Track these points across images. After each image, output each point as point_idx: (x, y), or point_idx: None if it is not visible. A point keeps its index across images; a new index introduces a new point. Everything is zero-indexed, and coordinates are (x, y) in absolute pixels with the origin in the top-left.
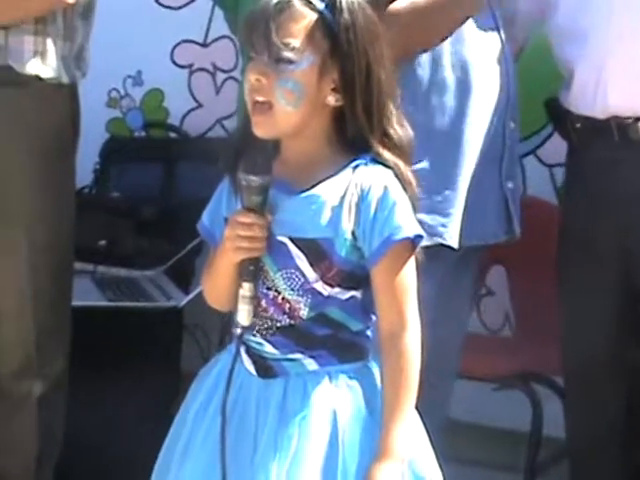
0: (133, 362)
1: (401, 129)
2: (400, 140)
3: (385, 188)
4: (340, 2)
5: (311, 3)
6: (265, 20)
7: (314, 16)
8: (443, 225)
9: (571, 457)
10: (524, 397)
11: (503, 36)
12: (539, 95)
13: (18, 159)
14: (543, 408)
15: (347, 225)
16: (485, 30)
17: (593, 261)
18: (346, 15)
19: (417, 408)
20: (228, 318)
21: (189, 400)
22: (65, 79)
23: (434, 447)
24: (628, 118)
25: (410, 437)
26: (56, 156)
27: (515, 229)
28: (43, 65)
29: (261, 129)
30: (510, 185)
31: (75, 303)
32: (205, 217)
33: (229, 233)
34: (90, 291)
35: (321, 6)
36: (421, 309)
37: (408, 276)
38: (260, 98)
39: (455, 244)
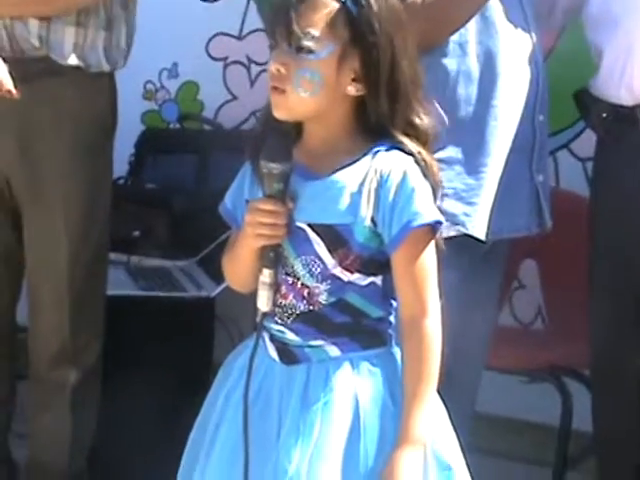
0: (166, 352)
1: (426, 118)
2: (425, 129)
3: (404, 174)
4: None
5: None
6: (286, 9)
7: (336, 5)
8: (466, 214)
9: (598, 451)
10: (554, 390)
11: (533, 33)
12: (571, 88)
13: (58, 148)
14: (573, 402)
15: (366, 211)
16: (515, 25)
17: (622, 257)
18: (369, 4)
19: (441, 397)
20: (261, 312)
21: (216, 387)
22: (106, 68)
23: (460, 437)
24: None
25: (431, 423)
26: (95, 145)
27: (546, 222)
28: (84, 56)
29: (278, 111)
30: (541, 178)
31: (108, 292)
32: (227, 199)
33: (250, 219)
34: (123, 281)
35: None
36: (446, 299)
37: (428, 262)
38: (278, 85)
39: (481, 235)
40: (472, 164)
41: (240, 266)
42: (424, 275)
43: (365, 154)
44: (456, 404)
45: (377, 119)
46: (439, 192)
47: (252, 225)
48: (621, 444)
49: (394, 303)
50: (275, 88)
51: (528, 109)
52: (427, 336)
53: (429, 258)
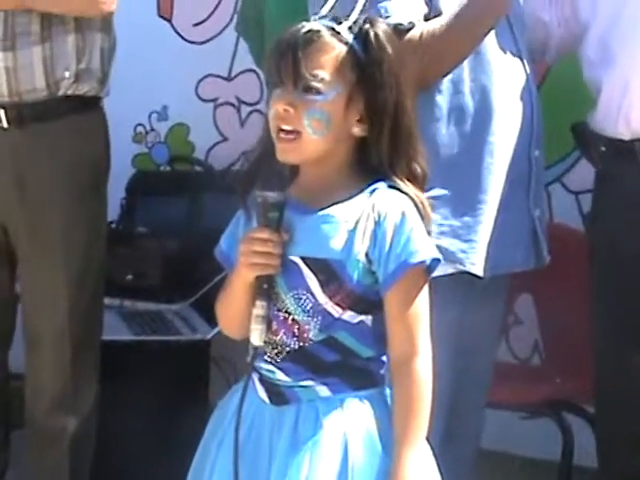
0: (161, 396)
1: (423, 160)
2: (423, 170)
3: (403, 214)
4: (370, 35)
5: (340, 34)
6: (293, 50)
7: (343, 48)
8: (463, 251)
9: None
10: (554, 426)
11: (527, 64)
12: (564, 122)
13: (56, 193)
14: (574, 437)
15: (360, 248)
16: (508, 58)
17: (622, 288)
18: (376, 48)
19: (446, 437)
20: (254, 348)
21: (209, 431)
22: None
23: (465, 477)
24: None
25: (421, 466)
26: (92, 189)
27: (544, 256)
28: (83, 62)
29: (287, 156)
30: (538, 212)
31: (102, 338)
32: (223, 242)
33: (244, 248)
34: (117, 325)
35: (350, 38)
36: (446, 336)
37: (421, 303)
38: (287, 127)
39: (479, 271)
40: (469, 201)
41: (233, 306)
42: (416, 315)
43: (362, 191)
44: (463, 448)
45: (379, 160)
46: (430, 234)
47: (246, 254)
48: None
49: (386, 344)
50: (285, 132)
51: (524, 144)
52: (417, 377)
53: (422, 299)
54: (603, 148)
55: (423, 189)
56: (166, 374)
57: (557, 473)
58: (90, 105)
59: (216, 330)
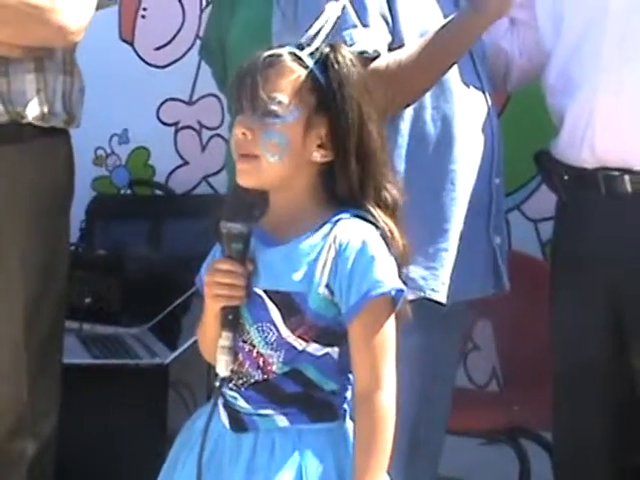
0: (119, 419)
1: (393, 187)
2: (393, 199)
3: (363, 242)
4: (332, 59)
5: (301, 60)
6: (253, 74)
7: (303, 72)
8: (424, 278)
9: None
10: (512, 453)
11: (488, 94)
12: (523, 150)
13: (16, 216)
14: (530, 463)
15: (320, 279)
16: (469, 87)
17: (583, 317)
18: (338, 72)
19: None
20: (214, 375)
21: (173, 453)
22: (63, 117)
23: None
24: (615, 170)
25: None
26: (54, 212)
27: (504, 283)
28: (47, 102)
29: (245, 179)
30: (498, 240)
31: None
32: (202, 270)
33: (208, 279)
34: (75, 349)
35: (311, 63)
36: (408, 363)
37: (386, 334)
38: (244, 152)
39: (441, 298)
40: (427, 229)
41: (208, 335)
42: (381, 347)
43: (326, 222)
44: (423, 471)
45: (346, 187)
46: (405, 262)
47: (210, 285)
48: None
49: (351, 378)
50: (243, 156)
51: (484, 172)
52: (381, 410)
53: (388, 330)
54: (566, 176)
55: (394, 216)
56: (124, 398)
57: None
58: (55, 131)
59: (175, 354)
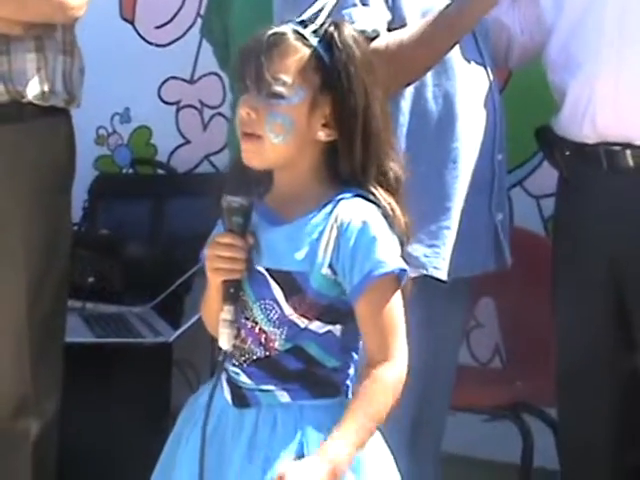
0: (123, 398)
1: (397, 166)
2: (396, 177)
3: (364, 222)
4: (336, 37)
5: (305, 38)
6: (257, 54)
7: (307, 51)
8: (426, 255)
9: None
10: (515, 428)
11: (490, 73)
12: (525, 126)
13: (17, 195)
14: (534, 439)
15: (323, 259)
16: (472, 66)
17: (585, 294)
18: (342, 50)
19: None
20: (218, 353)
21: (177, 430)
22: (64, 97)
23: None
24: (616, 145)
25: (352, 455)
26: (55, 191)
27: (506, 259)
28: (47, 81)
29: (249, 158)
30: (500, 216)
31: (64, 340)
32: (205, 247)
33: (209, 253)
34: (79, 328)
35: (314, 42)
36: (409, 340)
37: (394, 310)
38: (249, 131)
39: (442, 275)
40: (432, 206)
41: (211, 308)
42: (390, 323)
43: (329, 202)
44: (427, 449)
45: (349, 166)
46: (408, 240)
47: (210, 258)
48: (586, 455)
49: (354, 355)
50: (247, 135)
51: (487, 149)
52: (381, 382)
53: (395, 306)
54: (567, 152)
55: (397, 194)
56: (128, 377)
57: (517, 475)
58: (56, 110)
59: (178, 333)
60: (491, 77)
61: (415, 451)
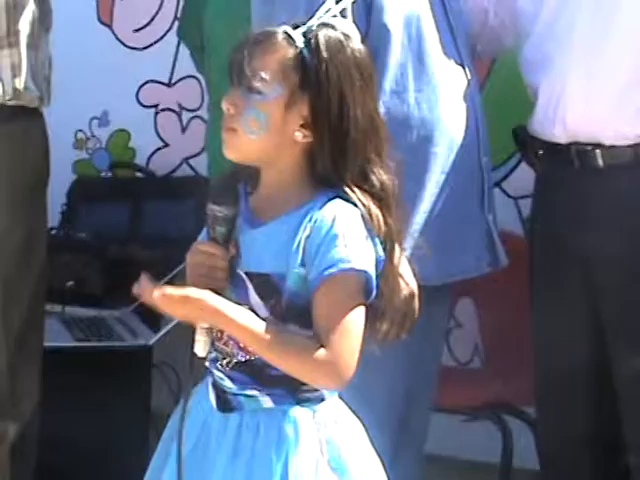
0: (103, 402)
1: (383, 172)
2: (380, 184)
3: (333, 219)
4: (320, 40)
5: (292, 39)
6: (241, 50)
7: (290, 50)
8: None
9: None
10: (494, 428)
11: (469, 71)
12: (502, 127)
13: None
14: (514, 439)
15: (296, 258)
16: (451, 67)
17: (559, 296)
18: (322, 52)
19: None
20: (192, 360)
21: (164, 436)
22: (36, 93)
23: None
24: (588, 144)
25: (215, 319)
26: (30, 196)
27: (502, 259)
28: (19, 80)
29: (226, 151)
30: (491, 217)
31: (44, 344)
32: (188, 253)
33: (190, 260)
34: (58, 332)
35: (300, 42)
36: (392, 348)
37: (347, 310)
38: (227, 124)
39: (435, 281)
40: (413, 211)
41: None
42: (339, 320)
43: (307, 202)
44: (411, 455)
45: (324, 167)
46: (392, 250)
47: (191, 266)
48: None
49: None
50: (225, 128)
51: (472, 152)
52: (313, 356)
53: (350, 307)
54: (540, 151)
55: (383, 200)
56: (108, 380)
57: (497, 475)
58: (29, 112)
59: (158, 336)
60: (470, 79)
61: (399, 452)
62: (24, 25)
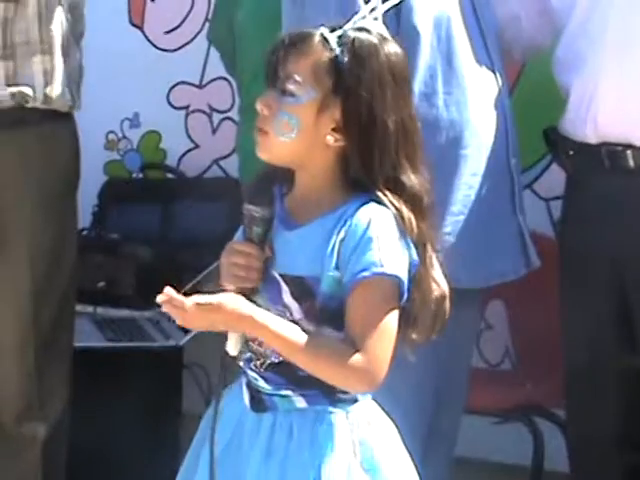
0: (134, 402)
1: (415, 180)
2: (411, 190)
3: (368, 223)
4: (356, 44)
5: (327, 41)
6: (277, 52)
7: (326, 54)
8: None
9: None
10: (526, 431)
11: (499, 77)
12: (533, 129)
13: (22, 200)
14: (545, 442)
15: (330, 261)
16: (481, 71)
17: (589, 294)
18: (357, 57)
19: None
20: (228, 357)
21: (197, 436)
22: (69, 101)
23: None
24: (618, 145)
25: (254, 325)
26: (60, 197)
27: (534, 261)
28: (53, 84)
29: (260, 152)
30: (523, 219)
31: (75, 344)
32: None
33: (224, 260)
34: (90, 332)
35: (334, 45)
36: (422, 351)
37: (381, 315)
38: (260, 126)
39: (472, 285)
40: (443, 214)
41: None
42: (372, 324)
43: (342, 205)
44: (441, 458)
45: (355, 171)
46: (425, 252)
47: (226, 265)
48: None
49: None
50: (258, 129)
51: (501, 154)
52: (347, 359)
53: (384, 312)
54: (571, 152)
55: (415, 203)
56: (139, 380)
57: (528, 478)
58: (59, 115)
59: (189, 337)
60: (500, 81)
61: (429, 455)
62: (57, 32)
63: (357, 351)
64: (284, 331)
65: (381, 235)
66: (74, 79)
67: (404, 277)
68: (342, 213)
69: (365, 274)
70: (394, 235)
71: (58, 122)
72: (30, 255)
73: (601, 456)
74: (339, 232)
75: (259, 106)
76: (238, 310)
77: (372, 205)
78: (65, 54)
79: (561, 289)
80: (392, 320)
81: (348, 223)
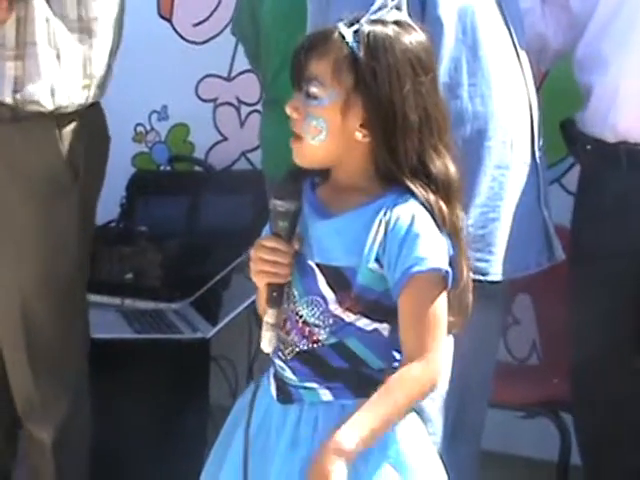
0: (161, 394)
1: (443, 166)
2: (440, 177)
3: (412, 219)
4: (370, 37)
5: (344, 37)
6: (299, 54)
7: (344, 50)
8: (480, 260)
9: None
10: (552, 425)
11: (525, 69)
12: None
13: (7, 198)
14: (571, 436)
15: (370, 254)
16: (506, 62)
17: (604, 288)
18: (371, 50)
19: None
20: (255, 349)
21: (226, 429)
22: (49, 105)
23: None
24: (637, 144)
25: (360, 446)
26: (49, 197)
27: (558, 254)
28: (22, 90)
29: (297, 159)
30: (548, 212)
31: (103, 336)
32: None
33: (253, 255)
34: (117, 324)
35: (351, 41)
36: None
37: (434, 308)
38: (294, 130)
39: (496, 277)
40: (467, 205)
41: (261, 306)
42: (429, 322)
43: (379, 197)
44: (467, 451)
45: (383, 163)
46: (458, 240)
47: (255, 261)
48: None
49: (397, 356)
50: (294, 135)
51: (526, 147)
52: (411, 378)
53: (437, 305)
54: (589, 147)
55: (448, 197)
56: (166, 372)
57: (555, 472)
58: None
59: (216, 329)
60: (526, 74)
61: (455, 450)
62: (40, 36)
63: (417, 359)
64: (370, 418)
65: (426, 230)
66: (75, 77)
67: (449, 270)
68: (381, 205)
69: (419, 268)
70: (436, 229)
71: (41, 121)
72: (17, 256)
73: (611, 453)
74: (380, 224)
75: (289, 110)
76: (351, 453)
77: (409, 199)
78: (57, 55)
79: (572, 285)
80: (444, 314)
81: (388, 216)
